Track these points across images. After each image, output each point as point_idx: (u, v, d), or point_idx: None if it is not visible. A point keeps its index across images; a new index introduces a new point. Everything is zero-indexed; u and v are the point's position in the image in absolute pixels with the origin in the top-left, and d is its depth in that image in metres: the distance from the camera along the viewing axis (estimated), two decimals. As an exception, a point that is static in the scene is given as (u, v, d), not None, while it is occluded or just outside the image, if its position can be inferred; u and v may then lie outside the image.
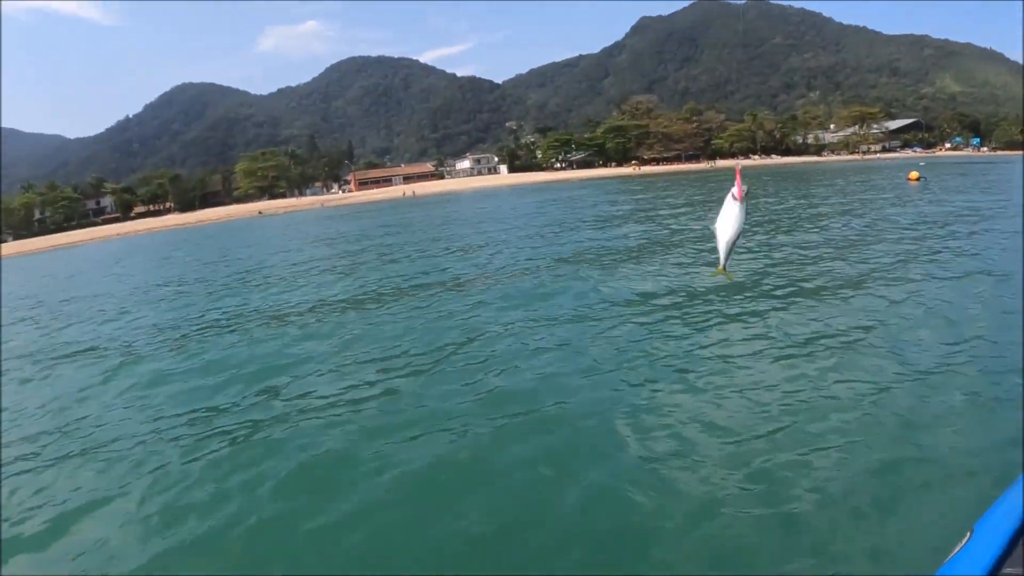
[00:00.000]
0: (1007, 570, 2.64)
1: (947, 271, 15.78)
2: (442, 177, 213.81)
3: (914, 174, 55.77)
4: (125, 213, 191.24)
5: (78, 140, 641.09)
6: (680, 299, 14.12)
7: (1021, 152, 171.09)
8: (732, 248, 4.45)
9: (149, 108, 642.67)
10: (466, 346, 11.77)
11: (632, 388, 9.11)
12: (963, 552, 2.89)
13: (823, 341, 10.65)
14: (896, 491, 6.27)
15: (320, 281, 18.14)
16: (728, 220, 4.38)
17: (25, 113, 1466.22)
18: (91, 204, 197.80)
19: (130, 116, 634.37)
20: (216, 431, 9.09)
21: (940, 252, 18.53)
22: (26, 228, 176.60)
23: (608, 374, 9.73)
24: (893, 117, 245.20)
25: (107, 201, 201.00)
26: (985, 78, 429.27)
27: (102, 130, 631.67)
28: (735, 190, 4.36)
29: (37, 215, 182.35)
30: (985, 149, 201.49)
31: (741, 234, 4.54)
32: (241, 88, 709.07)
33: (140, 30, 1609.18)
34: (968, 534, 2.91)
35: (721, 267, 4.51)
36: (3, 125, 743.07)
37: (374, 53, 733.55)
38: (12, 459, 8.92)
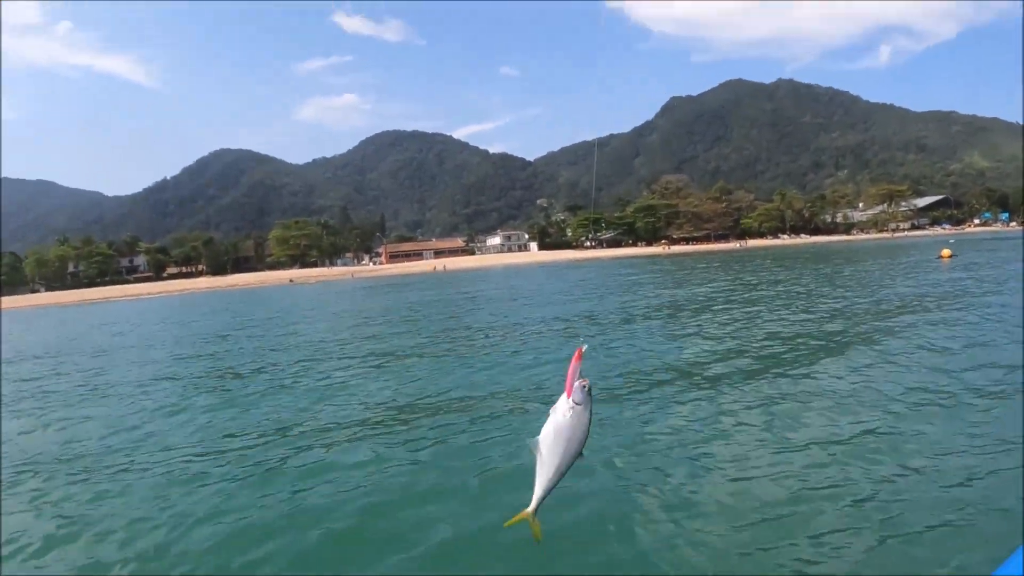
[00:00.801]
0: None
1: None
2: (473, 253, 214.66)
3: (946, 252, 55.92)
4: (157, 273, 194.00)
5: (115, 198, 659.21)
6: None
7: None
8: (555, 483, 2.98)
9: (187, 171, 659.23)
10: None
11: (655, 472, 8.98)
12: None
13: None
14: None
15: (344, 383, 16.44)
16: (553, 437, 2.90)
17: (65, 167, 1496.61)
18: (125, 262, 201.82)
19: (168, 178, 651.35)
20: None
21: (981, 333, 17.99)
22: (59, 280, 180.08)
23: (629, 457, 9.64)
24: (921, 194, 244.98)
25: (140, 260, 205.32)
26: (1013, 153, 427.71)
27: (139, 190, 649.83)
28: (566, 387, 2.92)
29: (71, 268, 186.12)
30: (1015, 223, 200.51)
31: (577, 456, 3.01)
32: (277, 156, 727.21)
33: (182, 94, 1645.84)
34: None
35: (531, 509, 2.98)
36: (42, 177, 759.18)
37: (409, 127, 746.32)
38: None
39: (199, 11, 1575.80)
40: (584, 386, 2.50)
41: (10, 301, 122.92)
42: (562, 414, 2.62)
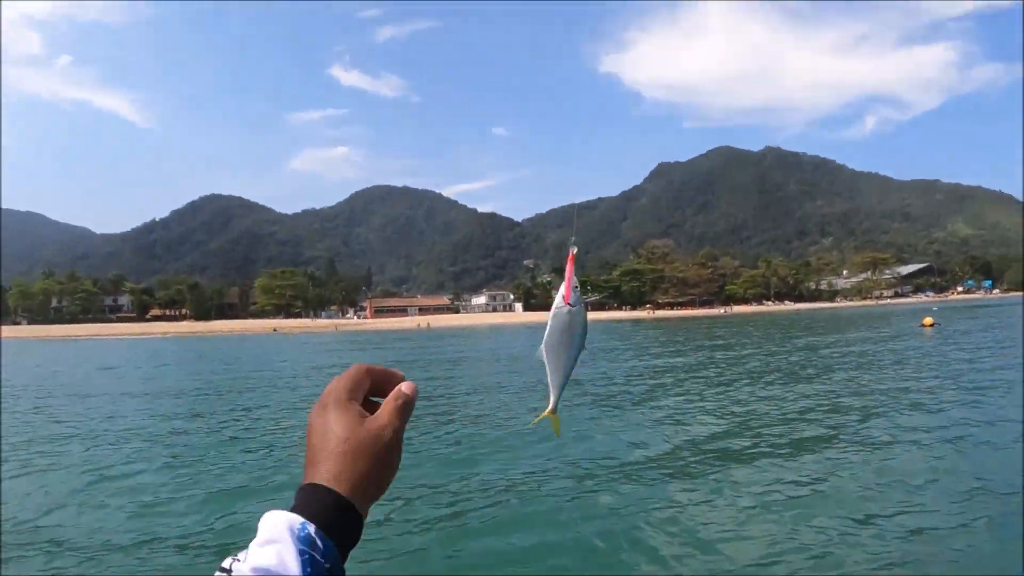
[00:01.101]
0: None
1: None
2: (458, 311, 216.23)
3: (928, 320, 56.74)
4: (141, 314, 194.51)
5: (104, 235, 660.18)
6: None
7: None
8: (566, 379, 2.18)
9: (176, 214, 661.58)
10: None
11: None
12: None
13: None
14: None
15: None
16: (557, 337, 2.10)
17: (56, 200, 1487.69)
18: (109, 300, 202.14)
19: (157, 219, 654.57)
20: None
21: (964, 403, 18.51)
22: (42, 314, 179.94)
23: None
24: (905, 262, 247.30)
25: (125, 300, 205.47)
26: (995, 220, 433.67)
27: (128, 229, 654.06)
28: (564, 290, 2.44)
29: (55, 303, 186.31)
30: (997, 291, 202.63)
31: (577, 360, 2.55)
32: (267, 205, 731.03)
33: (176, 136, 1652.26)
34: None
35: (551, 408, 2.17)
36: (32, 209, 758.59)
37: (399, 183, 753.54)
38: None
39: (200, 56, 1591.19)
40: (576, 287, 1.88)
41: None
42: (563, 315, 2.05)
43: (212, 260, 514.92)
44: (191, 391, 27.06)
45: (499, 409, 20.29)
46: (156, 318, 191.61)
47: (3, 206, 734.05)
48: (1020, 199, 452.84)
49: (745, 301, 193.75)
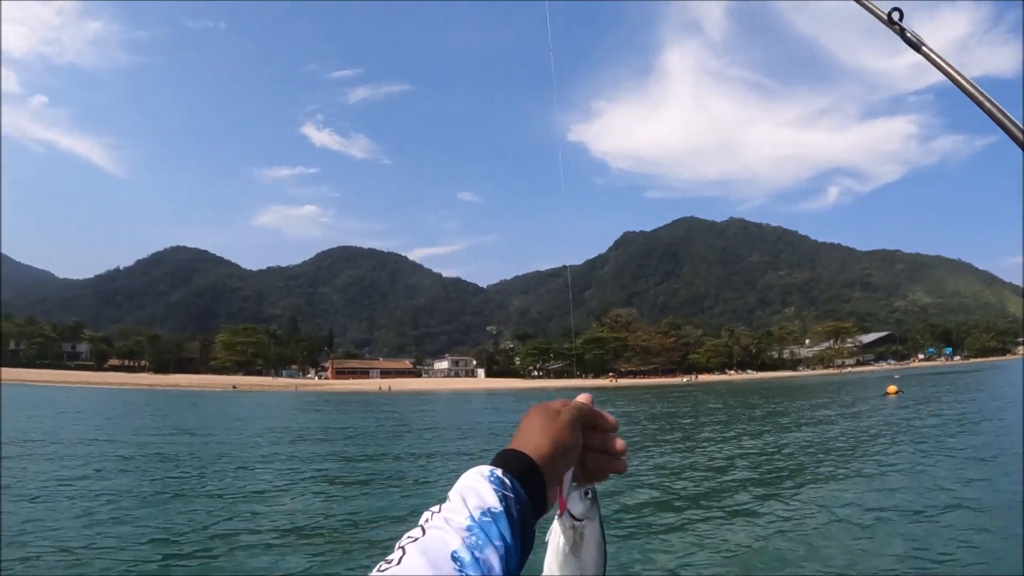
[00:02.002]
0: None
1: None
2: (419, 375, 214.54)
3: (892, 388, 56.78)
4: (99, 363, 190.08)
5: (65, 280, 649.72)
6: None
7: (992, 359, 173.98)
8: None
9: (140, 263, 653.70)
10: None
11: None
12: None
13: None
14: None
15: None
16: (565, 569, 1.40)
17: (17, 241, 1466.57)
18: (67, 347, 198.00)
19: (120, 268, 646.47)
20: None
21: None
22: None
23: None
24: (867, 331, 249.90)
25: (83, 347, 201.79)
26: (955, 288, 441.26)
27: (91, 275, 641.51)
28: (563, 489, 1.40)
29: (12, 345, 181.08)
30: (958, 358, 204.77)
31: None
32: (232, 260, 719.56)
33: (143, 184, 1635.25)
34: None
35: None
36: None
37: (365, 244, 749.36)
38: None
39: (172, 107, 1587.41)
40: (586, 491, 1.37)
41: None
42: (562, 539, 1.39)
43: (174, 312, 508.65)
44: (135, 447, 26.83)
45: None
46: (114, 368, 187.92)
47: None
48: (979, 267, 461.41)
49: (708, 370, 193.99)
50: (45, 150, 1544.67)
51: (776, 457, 21.71)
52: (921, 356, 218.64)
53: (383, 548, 11.34)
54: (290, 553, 11.83)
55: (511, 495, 1.07)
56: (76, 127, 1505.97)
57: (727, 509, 14.31)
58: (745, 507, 14.47)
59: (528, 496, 1.13)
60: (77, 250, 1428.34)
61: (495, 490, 1.07)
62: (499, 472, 1.15)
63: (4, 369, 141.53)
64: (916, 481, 16.90)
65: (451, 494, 1.09)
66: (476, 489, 1.07)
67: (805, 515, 13.47)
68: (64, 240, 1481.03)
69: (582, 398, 1.34)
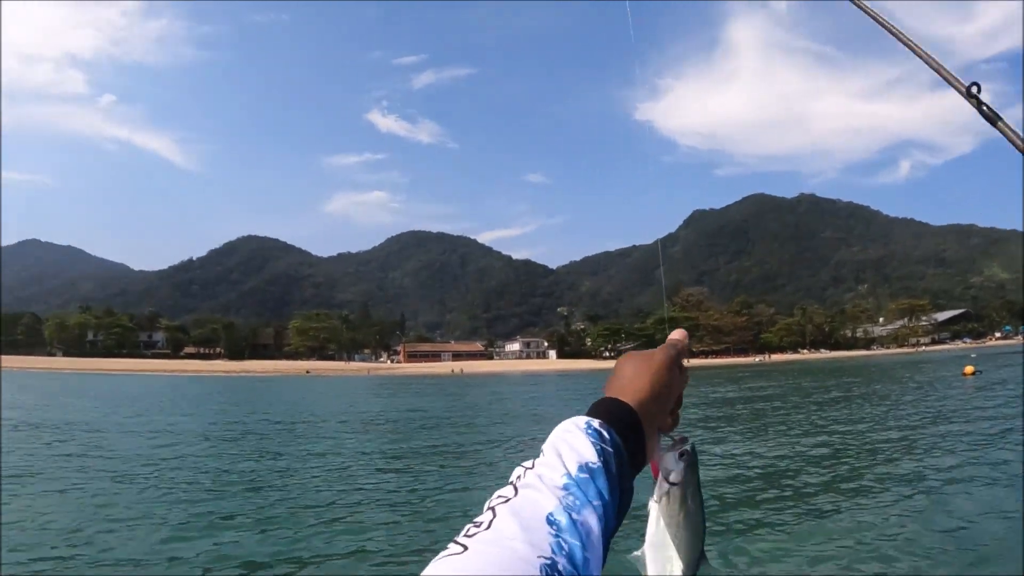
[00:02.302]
0: None
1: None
2: (491, 357, 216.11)
3: (969, 368, 55.27)
4: (175, 351, 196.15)
5: (140, 272, 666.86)
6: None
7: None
8: None
9: (213, 253, 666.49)
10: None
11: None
12: None
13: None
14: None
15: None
16: (667, 533, 1.14)
17: (95, 236, 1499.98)
18: (144, 336, 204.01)
19: (194, 258, 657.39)
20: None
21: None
22: (77, 347, 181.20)
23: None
24: (941, 308, 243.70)
25: (159, 336, 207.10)
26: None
27: (165, 267, 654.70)
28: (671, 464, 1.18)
29: (91, 336, 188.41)
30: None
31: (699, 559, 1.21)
32: (303, 247, 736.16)
33: (214, 177, 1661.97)
34: None
35: None
36: (72, 244, 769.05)
37: (435, 229, 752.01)
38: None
39: (240, 100, 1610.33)
40: (682, 451, 1.19)
41: (22, 361, 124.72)
42: (662, 502, 1.24)
43: (247, 300, 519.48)
44: (231, 433, 27.57)
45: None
46: (190, 355, 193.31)
47: (44, 239, 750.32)
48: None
49: (780, 349, 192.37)
50: (118, 148, 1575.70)
51: (855, 445, 20.94)
52: (998, 334, 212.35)
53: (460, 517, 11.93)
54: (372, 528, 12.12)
55: (610, 448, 0.91)
56: (147, 124, 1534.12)
57: (806, 504, 13.49)
58: (828, 501, 13.59)
59: (626, 449, 0.95)
60: (151, 243, 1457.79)
61: (592, 443, 0.92)
62: (596, 423, 0.97)
63: (83, 360, 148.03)
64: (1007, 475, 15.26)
65: (544, 447, 0.93)
66: (572, 442, 0.91)
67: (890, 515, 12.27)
68: (139, 234, 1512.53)
69: (676, 334, 1.18)
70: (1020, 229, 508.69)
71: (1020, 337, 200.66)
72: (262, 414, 37.52)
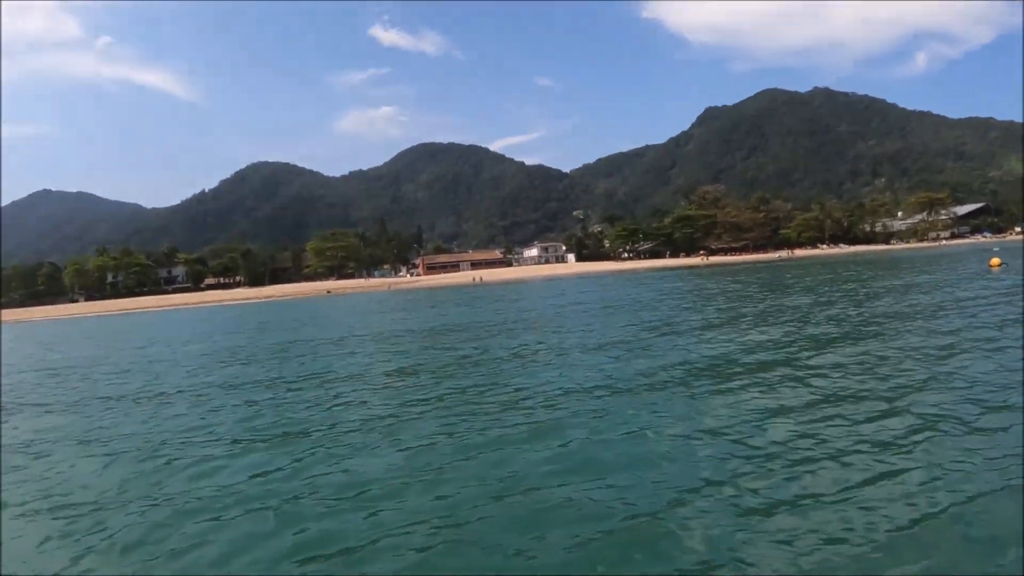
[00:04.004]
0: None
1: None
2: (510, 264, 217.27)
3: (995, 260, 54.34)
4: (196, 283, 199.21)
5: (154, 210, 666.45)
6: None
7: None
8: None
9: (225, 184, 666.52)
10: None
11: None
12: None
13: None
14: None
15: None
16: None
17: (105, 179, 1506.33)
18: (163, 272, 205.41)
19: (206, 191, 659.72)
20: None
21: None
22: (99, 290, 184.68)
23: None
24: (961, 202, 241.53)
25: (179, 271, 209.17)
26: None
27: (178, 202, 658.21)
28: None
29: (110, 278, 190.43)
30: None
31: None
32: (314, 169, 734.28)
33: (219, 107, 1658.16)
34: None
35: None
36: (83, 189, 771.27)
37: (445, 140, 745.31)
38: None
39: (235, 25, 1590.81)
40: None
41: (45, 311, 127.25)
42: None
43: (262, 226, 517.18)
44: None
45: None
46: (211, 287, 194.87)
47: (55, 188, 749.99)
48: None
49: (799, 245, 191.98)
50: (118, 88, 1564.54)
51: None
52: (1018, 229, 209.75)
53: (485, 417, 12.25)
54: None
55: None
56: (145, 61, 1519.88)
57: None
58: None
59: None
60: (162, 180, 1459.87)
61: None
62: None
63: (106, 302, 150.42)
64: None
65: None
66: None
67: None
68: (149, 172, 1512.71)
69: None
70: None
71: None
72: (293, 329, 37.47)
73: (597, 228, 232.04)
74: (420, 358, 22.14)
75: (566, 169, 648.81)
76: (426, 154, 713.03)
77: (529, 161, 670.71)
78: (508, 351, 21.89)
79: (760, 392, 13.40)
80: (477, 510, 8.25)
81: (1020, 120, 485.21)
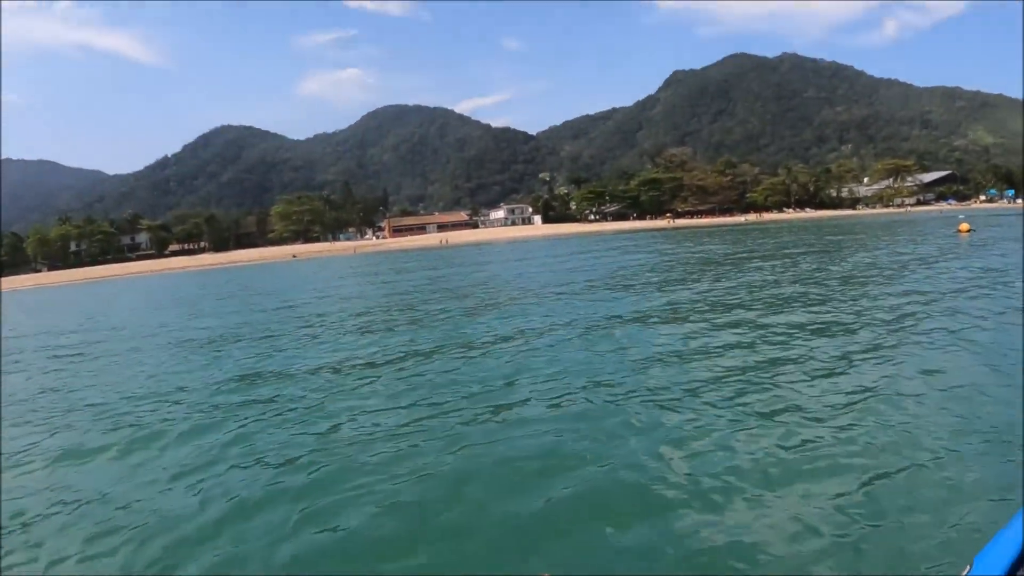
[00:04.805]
0: None
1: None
2: (476, 226, 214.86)
3: (964, 226, 55.30)
4: (160, 250, 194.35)
5: (117, 176, 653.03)
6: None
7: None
8: None
9: (188, 148, 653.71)
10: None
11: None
12: None
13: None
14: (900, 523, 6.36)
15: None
16: None
17: (66, 146, 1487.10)
18: (127, 239, 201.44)
19: (169, 155, 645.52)
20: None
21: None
22: (62, 259, 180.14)
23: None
24: (926, 170, 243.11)
25: (143, 237, 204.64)
26: (1018, 129, 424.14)
27: (141, 167, 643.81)
28: None
29: (73, 247, 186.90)
30: (1020, 201, 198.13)
31: None
32: (279, 132, 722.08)
33: (182, 71, 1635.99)
34: (968, 567, 2.98)
35: None
36: (44, 157, 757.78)
37: (411, 102, 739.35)
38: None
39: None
40: None
41: (9, 282, 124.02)
42: None
43: (227, 191, 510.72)
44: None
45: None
46: (175, 253, 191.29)
47: (15, 157, 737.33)
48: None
49: (766, 208, 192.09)
50: (80, 53, 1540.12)
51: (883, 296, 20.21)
52: (982, 197, 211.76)
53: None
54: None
55: None
56: (106, 23, 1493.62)
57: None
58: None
59: None
60: (125, 145, 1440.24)
61: None
62: None
63: (70, 271, 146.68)
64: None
65: None
66: None
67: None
68: (111, 138, 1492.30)
69: None
70: (1006, 94, 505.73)
71: (1005, 201, 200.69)
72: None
73: (564, 190, 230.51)
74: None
75: (532, 131, 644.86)
76: (392, 116, 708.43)
77: (495, 123, 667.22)
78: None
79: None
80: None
81: (986, 90, 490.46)
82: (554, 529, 6.73)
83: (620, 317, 18.66)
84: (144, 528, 7.44)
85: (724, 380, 11.50)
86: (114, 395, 13.90)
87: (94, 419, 12.12)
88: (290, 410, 11.49)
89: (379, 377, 13.38)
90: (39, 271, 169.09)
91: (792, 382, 11.12)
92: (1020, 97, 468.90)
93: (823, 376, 11.33)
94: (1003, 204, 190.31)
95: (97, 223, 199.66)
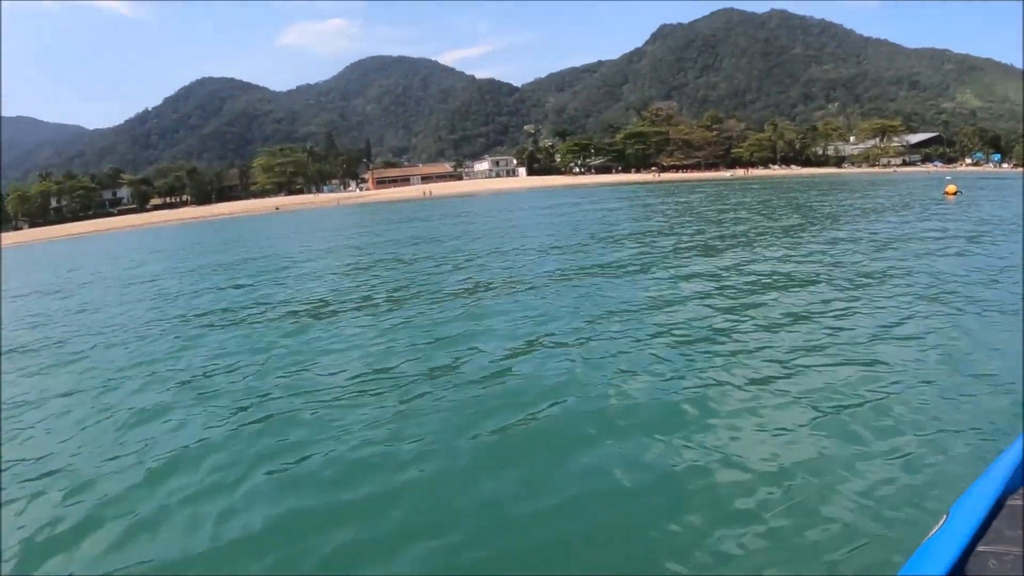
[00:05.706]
0: (981, 548, 2.79)
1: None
2: (460, 178, 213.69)
3: (951, 188, 54.68)
4: (141, 204, 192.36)
5: (97, 131, 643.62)
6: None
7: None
8: None
9: (168, 101, 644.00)
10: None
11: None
12: (940, 533, 3.01)
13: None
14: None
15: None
16: None
17: (45, 102, 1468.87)
18: (108, 195, 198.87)
19: (149, 109, 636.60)
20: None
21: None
22: (42, 216, 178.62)
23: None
24: (913, 131, 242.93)
25: (124, 192, 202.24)
26: (1005, 94, 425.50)
27: (121, 121, 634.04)
28: None
29: (54, 203, 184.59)
30: (1006, 165, 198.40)
31: None
32: (260, 84, 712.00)
33: (163, 23, 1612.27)
34: (944, 516, 3.06)
35: None
36: (22, 114, 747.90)
37: (394, 53, 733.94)
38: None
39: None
40: None
41: None
42: None
43: (209, 143, 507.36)
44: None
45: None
46: (157, 207, 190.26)
47: None
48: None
49: (751, 164, 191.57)
50: (59, 7, 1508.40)
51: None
52: (968, 160, 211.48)
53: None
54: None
55: None
56: None
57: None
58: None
59: None
60: (105, 100, 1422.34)
61: None
62: None
63: (51, 228, 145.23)
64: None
65: None
66: None
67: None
68: (90, 92, 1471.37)
69: None
70: (994, 59, 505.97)
71: (991, 165, 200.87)
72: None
73: (548, 142, 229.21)
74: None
75: (517, 83, 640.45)
76: (375, 67, 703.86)
77: (480, 75, 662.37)
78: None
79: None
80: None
81: (974, 54, 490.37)
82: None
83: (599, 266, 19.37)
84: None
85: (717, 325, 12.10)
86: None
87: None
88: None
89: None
90: (20, 228, 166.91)
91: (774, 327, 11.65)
92: (1008, 62, 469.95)
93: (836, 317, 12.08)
94: (990, 168, 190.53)
95: (77, 179, 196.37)
